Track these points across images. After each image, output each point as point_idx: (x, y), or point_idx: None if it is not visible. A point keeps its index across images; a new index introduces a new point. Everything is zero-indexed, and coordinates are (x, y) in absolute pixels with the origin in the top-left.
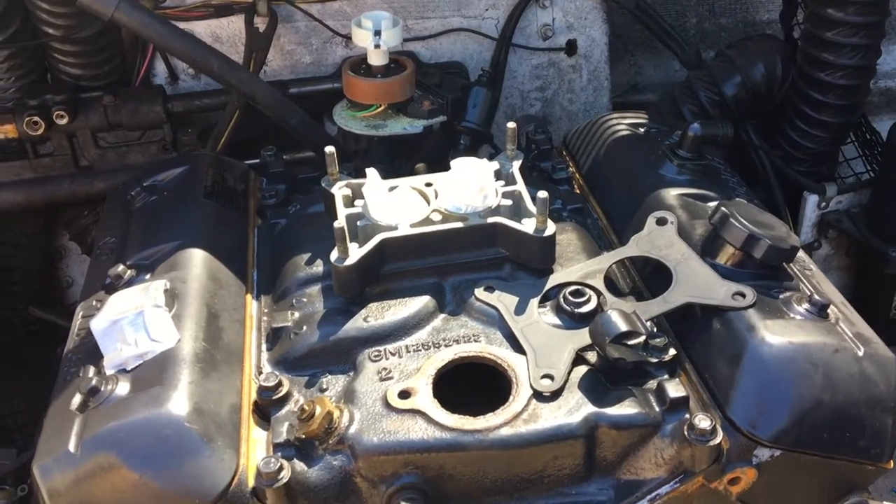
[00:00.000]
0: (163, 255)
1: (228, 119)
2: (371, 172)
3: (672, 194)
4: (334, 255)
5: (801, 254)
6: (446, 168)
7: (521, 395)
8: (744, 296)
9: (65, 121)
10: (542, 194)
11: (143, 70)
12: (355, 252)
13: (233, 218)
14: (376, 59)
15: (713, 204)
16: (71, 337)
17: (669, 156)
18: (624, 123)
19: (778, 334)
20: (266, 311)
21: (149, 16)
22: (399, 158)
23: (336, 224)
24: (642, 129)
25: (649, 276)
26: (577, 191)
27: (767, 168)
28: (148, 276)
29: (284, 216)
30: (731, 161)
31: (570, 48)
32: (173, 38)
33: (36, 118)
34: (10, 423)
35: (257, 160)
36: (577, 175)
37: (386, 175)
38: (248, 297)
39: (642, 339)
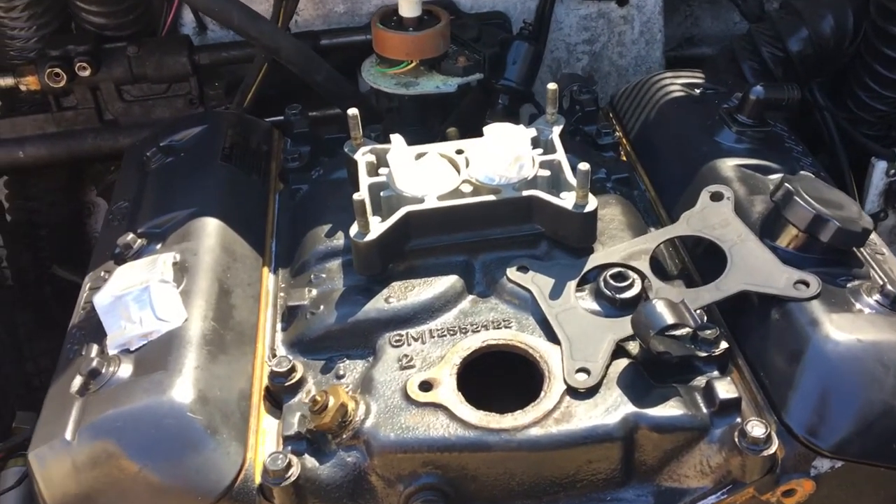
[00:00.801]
0: (175, 223)
1: (256, 73)
2: (396, 139)
3: (729, 165)
4: (354, 229)
5: (872, 236)
6: (482, 131)
7: (553, 390)
8: (807, 284)
9: (87, 72)
10: (584, 166)
11: (170, 19)
12: (377, 227)
13: (252, 182)
14: (408, 9)
15: (775, 177)
16: (77, 310)
17: (728, 121)
18: (677, 83)
19: (845, 330)
20: (283, 285)
21: None
22: (431, 118)
23: (356, 196)
24: (697, 90)
25: (701, 258)
26: (624, 157)
27: (833, 131)
28: (159, 246)
29: (307, 181)
30: (792, 123)
31: None
32: None
33: (58, 69)
34: (37, 381)
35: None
36: (624, 140)
37: (417, 137)
38: (265, 270)
39: (690, 331)
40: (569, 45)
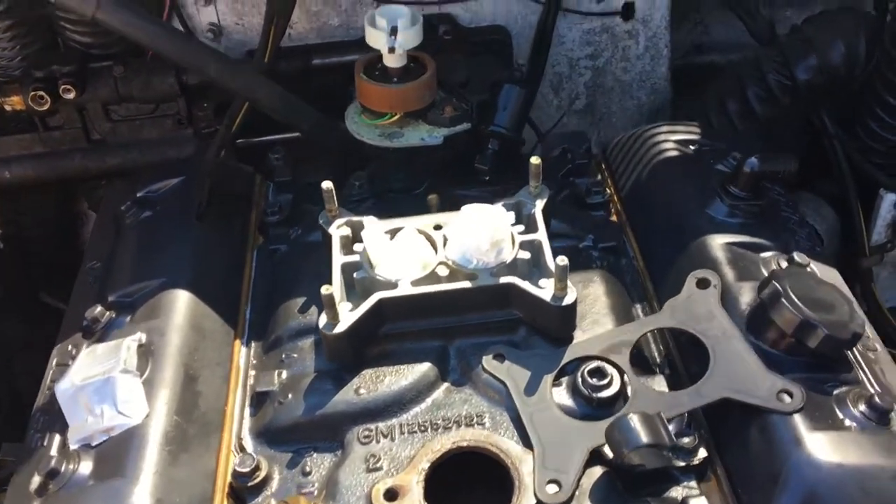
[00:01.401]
0: (145, 293)
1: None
2: (369, 222)
3: (719, 243)
4: (322, 319)
5: (865, 327)
6: (470, 171)
7: (523, 503)
8: (791, 395)
9: (72, 95)
10: (562, 261)
11: None
12: (347, 317)
13: (228, 242)
14: (392, 62)
15: (768, 255)
16: (42, 390)
17: (720, 193)
18: (672, 140)
19: (827, 453)
20: (255, 362)
21: (135, 15)
22: (417, 168)
23: (324, 291)
24: (692, 147)
25: (685, 346)
26: (615, 216)
27: (842, 160)
28: (128, 319)
29: (285, 241)
30: (802, 149)
31: (627, 11)
32: (164, 39)
33: (42, 92)
34: (27, 399)
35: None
36: (615, 198)
37: (401, 185)
38: (237, 343)
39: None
40: (571, 59)
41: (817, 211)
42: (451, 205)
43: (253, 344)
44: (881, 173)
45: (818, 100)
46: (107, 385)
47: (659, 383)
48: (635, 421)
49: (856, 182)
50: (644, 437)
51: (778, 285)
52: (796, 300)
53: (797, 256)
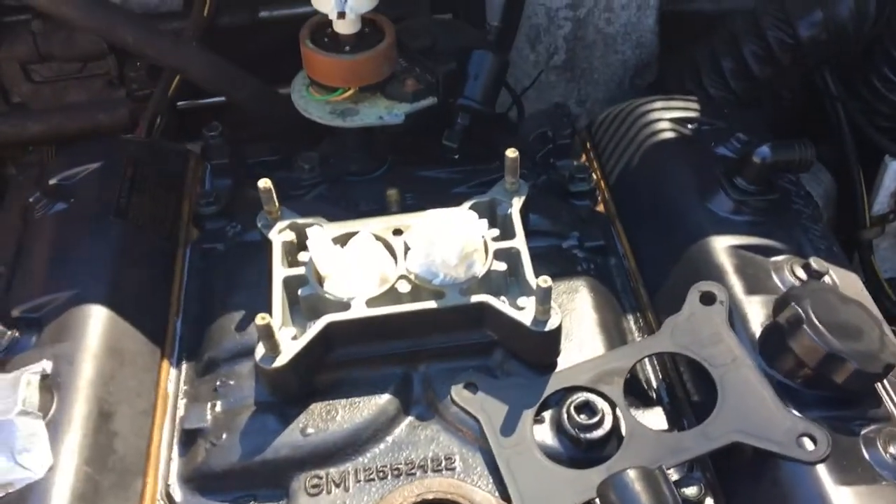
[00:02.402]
0: (54, 308)
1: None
2: (315, 229)
3: (724, 245)
4: (259, 351)
5: None
6: (436, 148)
7: None
8: (814, 441)
9: None
10: (545, 282)
11: None
12: (289, 346)
13: (154, 242)
14: (343, 28)
15: (780, 260)
16: None
17: (725, 185)
18: (667, 119)
19: None
20: (186, 387)
21: None
22: (375, 149)
23: (259, 321)
24: (690, 127)
25: (687, 368)
26: (601, 206)
27: (843, 124)
28: (33, 340)
29: (222, 238)
30: (801, 109)
31: None
32: (71, 5)
33: None
34: None
35: None
36: (602, 185)
37: (357, 167)
38: (164, 365)
39: None
40: (549, 9)
41: (814, 175)
42: (416, 189)
43: (184, 365)
44: (886, 139)
45: (821, 59)
46: (2, 431)
47: (657, 417)
48: (633, 479)
49: (858, 148)
50: (644, 500)
51: (799, 308)
52: (820, 327)
53: (814, 263)
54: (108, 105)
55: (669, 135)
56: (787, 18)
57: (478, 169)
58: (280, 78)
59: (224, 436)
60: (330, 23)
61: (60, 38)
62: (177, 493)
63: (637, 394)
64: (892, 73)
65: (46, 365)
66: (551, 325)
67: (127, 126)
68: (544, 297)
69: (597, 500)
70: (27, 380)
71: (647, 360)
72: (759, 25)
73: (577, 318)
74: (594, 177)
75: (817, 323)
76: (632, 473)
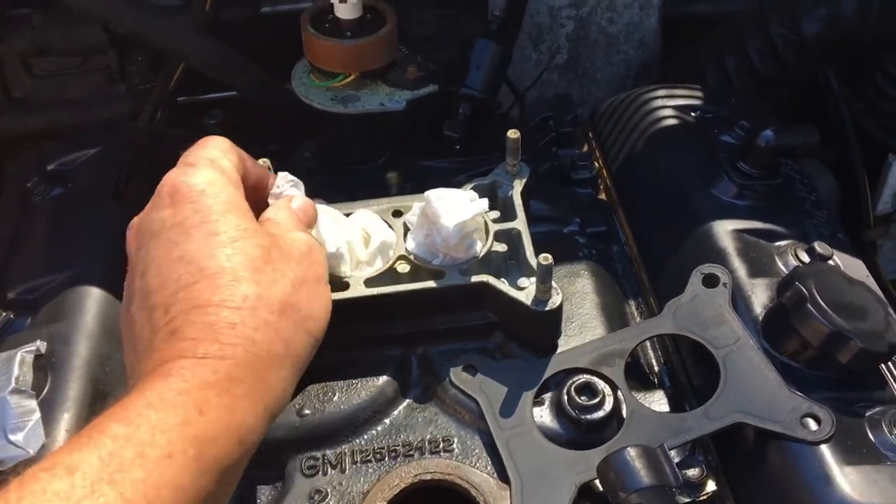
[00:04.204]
0: (51, 290)
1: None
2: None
3: (727, 229)
4: None
5: None
6: (438, 138)
7: None
8: (818, 421)
9: None
10: (545, 259)
11: None
12: None
13: None
14: (345, 12)
15: (783, 245)
16: None
17: (728, 170)
18: (670, 106)
19: (863, 493)
20: None
21: None
22: (376, 137)
23: None
24: (694, 115)
25: (690, 351)
26: (603, 195)
27: (847, 122)
28: (28, 321)
29: None
30: (803, 108)
31: None
32: None
33: None
34: None
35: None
36: (604, 173)
37: (358, 157)
38: None
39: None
40: (552, 8)
41: (816, 176)
42: (416, 178)
43: None
44: (890, 137)
45: (825, 56)
46: None
47: (658, 400)
48: (633, 457)
49: (861, 147)
50: (645, 479)
51: (803, 287)
52: (825, 306)
53: (818, 247)
54: (109, 100)
55: (672, 122)
56: (792, 16)
57: (479, 159)
58: (281, 74)
59: None
60: (331, 8)
61: (61, 32)
62: None
63: (638, 378)
64: None
65: (41, 345)
66: (552, 304)
67: (127, 121)
68: (545, 274)
69: (597, 481)
70: (21, 358)
71: (648, 344)
72: (763, 23)
73: (578, 302)
74: (596, 165)
75: (821, 302)
76: (632, 451)
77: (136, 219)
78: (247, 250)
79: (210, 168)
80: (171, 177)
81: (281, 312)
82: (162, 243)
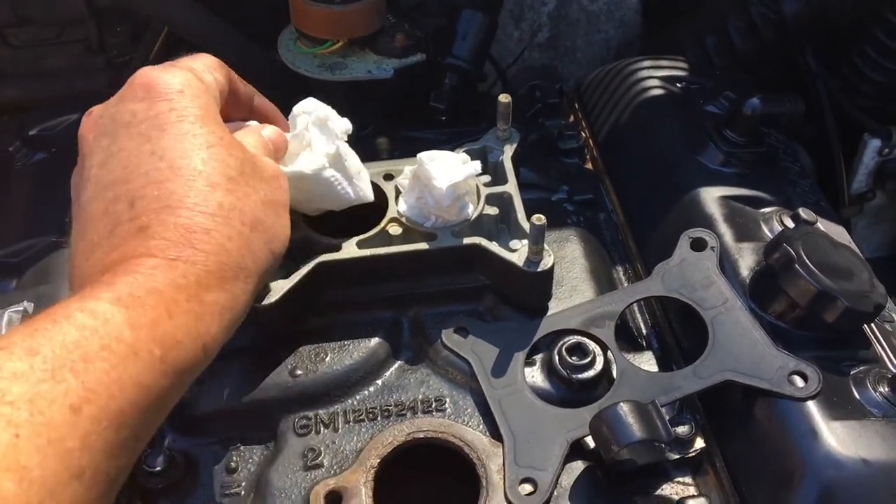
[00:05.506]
0: (35, 252)
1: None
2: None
3: (714, 196)
4: None
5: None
6: (424, 109)
7: None
8: (805, 378)
9: None
10: (538, 220)
11: None
12: (279, 284)
13: None
14: None
15: (769, 210)
16: None
17: (714, 138)
18: (656, 77)
19: (849, 447)
20: None
21: None
22: (363, 105)
23: None
24: (679, 85)
25: (677, 315)
26: (590, 164)
27: (824, 101)
28: (13, 283)
29: None
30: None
31: None
32: None
33: None
34: None
35: None
36: (590, 142)
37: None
38: None
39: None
40: None
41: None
42: (403, 149)
43: None
44: (867, 117)
45: (805, 35)
46: None
47: (647, 361)
48: (626, 412)
49: (838, 126)
50: (638, 433)
51: (790, 248)
52: (812, 267)
53: (803, 213)
54: (87, 72)
55: (658, 92)
56: None
57: (465, 130)
58: (267, 41)
59: (211, 378)
60: None
61: (39, 2)
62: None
63: (628, 340)
64: (874, 53)
65: (28, 305)
66: (544, 265)
67: (105, 94)
68: (537, 235)
69: (588, 438)
70: (8, 318)
71: (636, 308)
72: (744, 1)
73: (568, 266)
74: (583, 135)
75: (809, 262)
76: (625, 406)
77: (97, 107)
78: (223, 158)
79: (190, 73)
80: (147, 70)
81: (252, 227)
82: (133, 136)
